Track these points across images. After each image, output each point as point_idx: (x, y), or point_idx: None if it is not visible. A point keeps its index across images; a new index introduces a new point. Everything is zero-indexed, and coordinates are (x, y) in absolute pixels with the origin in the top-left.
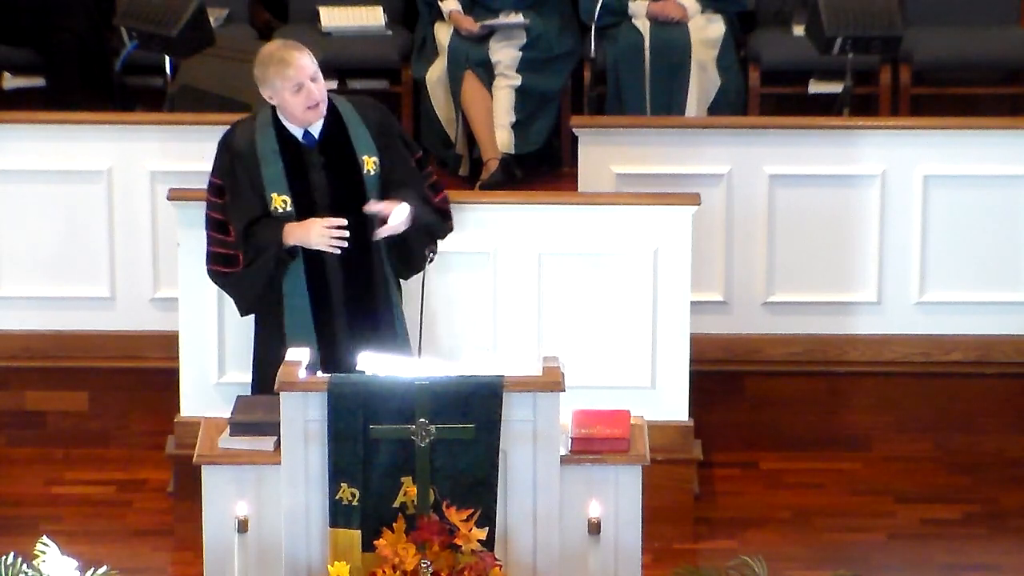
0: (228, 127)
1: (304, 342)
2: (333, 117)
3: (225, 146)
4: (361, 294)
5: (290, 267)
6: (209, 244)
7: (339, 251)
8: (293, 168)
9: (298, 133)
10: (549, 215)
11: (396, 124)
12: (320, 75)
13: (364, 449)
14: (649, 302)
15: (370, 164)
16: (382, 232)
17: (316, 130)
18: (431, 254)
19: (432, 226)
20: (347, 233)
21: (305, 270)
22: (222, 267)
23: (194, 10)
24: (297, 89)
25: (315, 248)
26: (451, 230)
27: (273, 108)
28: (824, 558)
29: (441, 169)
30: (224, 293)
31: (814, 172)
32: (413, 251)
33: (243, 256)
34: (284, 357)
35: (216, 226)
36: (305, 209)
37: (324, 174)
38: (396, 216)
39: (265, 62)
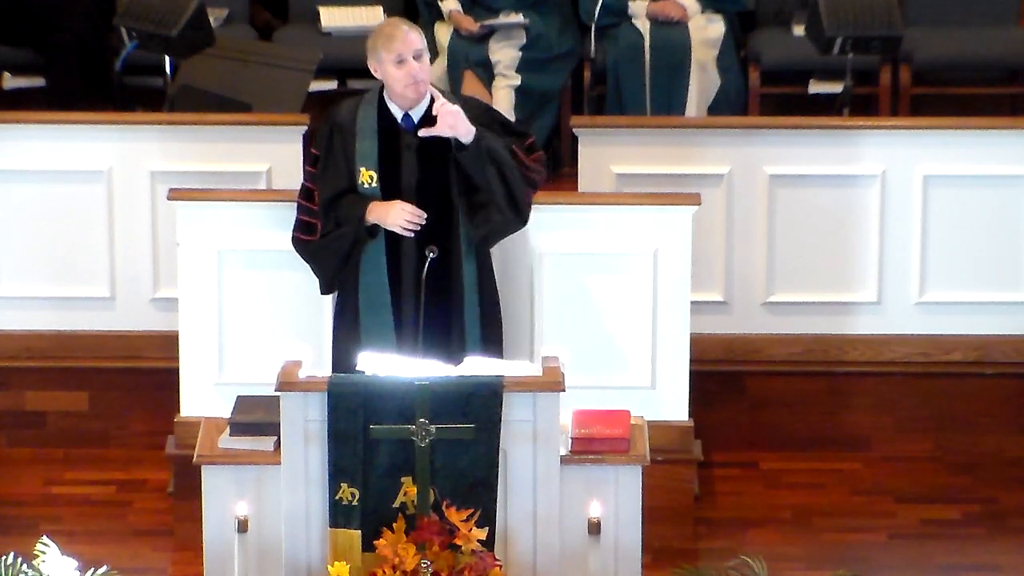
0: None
1: (378, 323)
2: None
3: (328, 117)
4: (434, 283)
5: (371, 247)
6: (297, 211)
7: (411, 234)
8: (386, 146)
9: (398, 114)
10: (549, 215)
11: (496, 114)
12: (426, 57)
13: (364, 449)
14: (649, 302)
15: None
16: (433, 129)
17: (416, 115)
18: (431, 254)
19: (507, 172)
20: (423, 222)
21: (385, 250)
22: (304, 235)
23: (194, 10)
24: (399, 62)
25: (390, 228)
26: (529, 196)
27: (381, 87)
28: (824, 558)
29: None
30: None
31: (814, 172)
32: (484, 198)
33: (323, 226)
34: (360, 338)
35: (305, 194)
36: (391, 188)
37: (415, 157)
38: (450, 114)
39: (375, 32)
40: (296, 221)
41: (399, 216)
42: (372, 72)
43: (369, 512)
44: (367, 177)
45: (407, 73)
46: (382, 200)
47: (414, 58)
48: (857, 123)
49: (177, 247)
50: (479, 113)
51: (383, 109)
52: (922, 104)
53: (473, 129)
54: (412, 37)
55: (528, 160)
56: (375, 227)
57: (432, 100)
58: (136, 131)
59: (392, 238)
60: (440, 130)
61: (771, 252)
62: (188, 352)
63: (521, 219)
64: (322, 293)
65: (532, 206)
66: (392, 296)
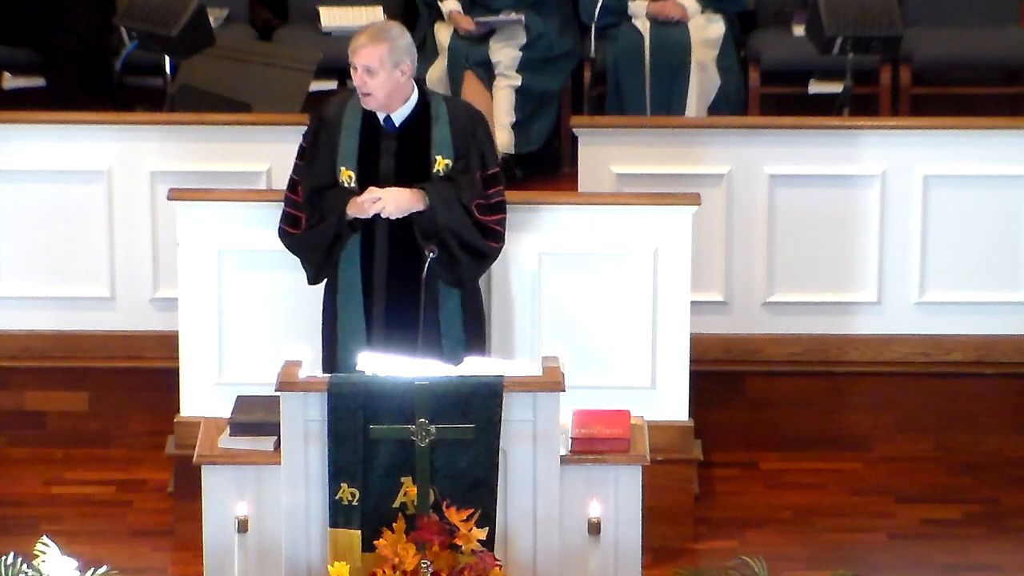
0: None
1: (352, 319)
2: (422, 111)
3: (317, 112)
4: (403, 282)
5: (349, 244)
6: (284, 203)
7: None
8: (367, 147)
9: (381, 115)
10: (549, 215)
11: (484, 136)
12: (383, 75)
13: (364, 449)
14: (649, 302)
15: (441, 164)
16: (366, 206)
17: (399, 118)
18: (431, 254)
19: (465, 237)
20: (369, 209)
21: (360, 245)
22: (288, 227)
23: (194, 10)
24: (354, 68)
25: (360, 213)
26: (495, 251)
27: None
28: (824, 558)
29: None
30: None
31: (814, 172)
32: (447, 257)
33: (307, 218)
34: (337, 334)
35: (292, 186)
36: (368, 188)
37: (394, 161)
38: (387, 196)
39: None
40: (282, 213)
41: (365, 198)
42: None
43: (369, 512)
44: (346, 176)
45: (355, 79)
46: None
47: (365, 71)
48: (857, 123)
49: (177, 247)
50: (471, 129)
51: (368, 110)
52: (922, 104)
53: (415, 198)
54: (364, 52)
55: (483, 216)
56: (356, 221)
57: (419, 103)
58: (136, 131)
59: (367, 236)
60: (390, 214)
61: (771, 252)
62: (188, 352)
63: (491, 260)
64: (309, 283)
65: (504, 239)
66: (364, 294)
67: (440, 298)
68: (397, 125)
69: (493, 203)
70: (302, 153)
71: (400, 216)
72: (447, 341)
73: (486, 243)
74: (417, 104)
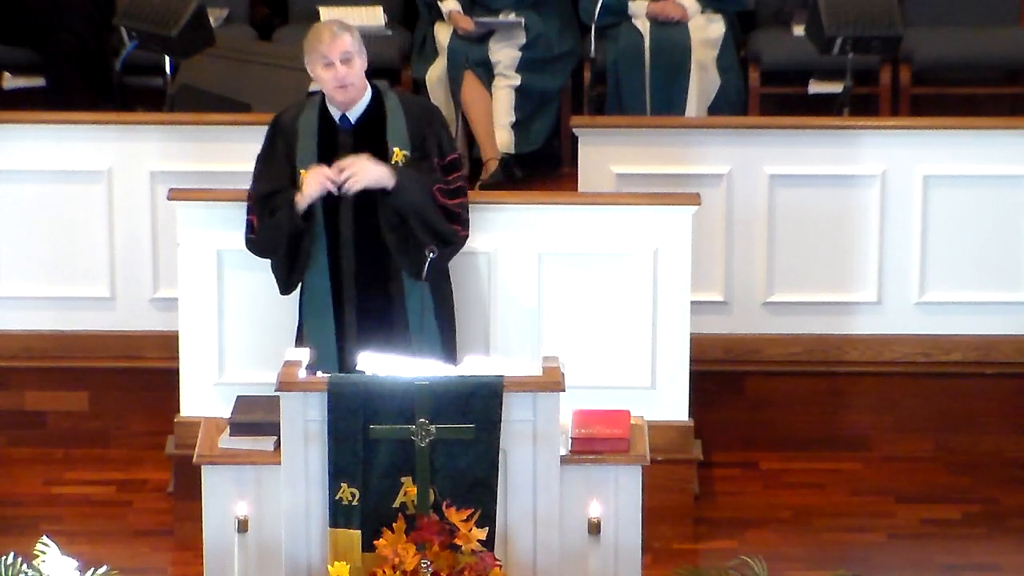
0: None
1: (320, 324)
2: (376, 105)
3: (274, 120)
4: (372, 281)
5: (315, 249)
6: (246, 213)
7: (335, 189)
8: (324, 147)
9: (337, 115)
10: (549, 215)
11: (438, 125)
12: (359, 61)
13: (364, 449)
14: (649, 302)
15: (399, 156)
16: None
17: (354, 115)
18: (431, 253)
19: (430, 222)
20: (339, 179)
21: (326, 248)
22: (248, 232)
23: (194, 10)
24: (326, 65)
25: (315, 192)
26: (459, 236)
27: None
28: (824, 558)
29: None
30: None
31: (814, 172)
32: (409, 242)
33: (258, 220)
34: (305, 339)
35: (250, 196)
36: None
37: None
38: (357, 164)
39: (309, 34)
40: (245, 223)
41: (317, 174)
42: (310, 73)
43: (369, 512)
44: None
45: (333, 76)
46: (320, 204)
47: (342, 62)
48: (857, 123)
49: (177, 247)
50: (426, 118)
51: (324, 111)
52: (922, 104)
53: (386, 173)
54: (340, 41)
55: (446, 201)
56: (309, 212)
57: (373, 98)
58: (136, 131)
59: (333, 238)
60: (352, 187)
61: (771, 252)
62: (188, 352)
63: (454, 247)
64: (281, 293)
65: (467, 226)
66: (333, 300)
67: (408, 298)
68: (352, 122)
69: (454, 188)
70: (259, 161)
71: (368, 186)
72: (419, 344)
73: (449, 226)
74: (371, 100)
